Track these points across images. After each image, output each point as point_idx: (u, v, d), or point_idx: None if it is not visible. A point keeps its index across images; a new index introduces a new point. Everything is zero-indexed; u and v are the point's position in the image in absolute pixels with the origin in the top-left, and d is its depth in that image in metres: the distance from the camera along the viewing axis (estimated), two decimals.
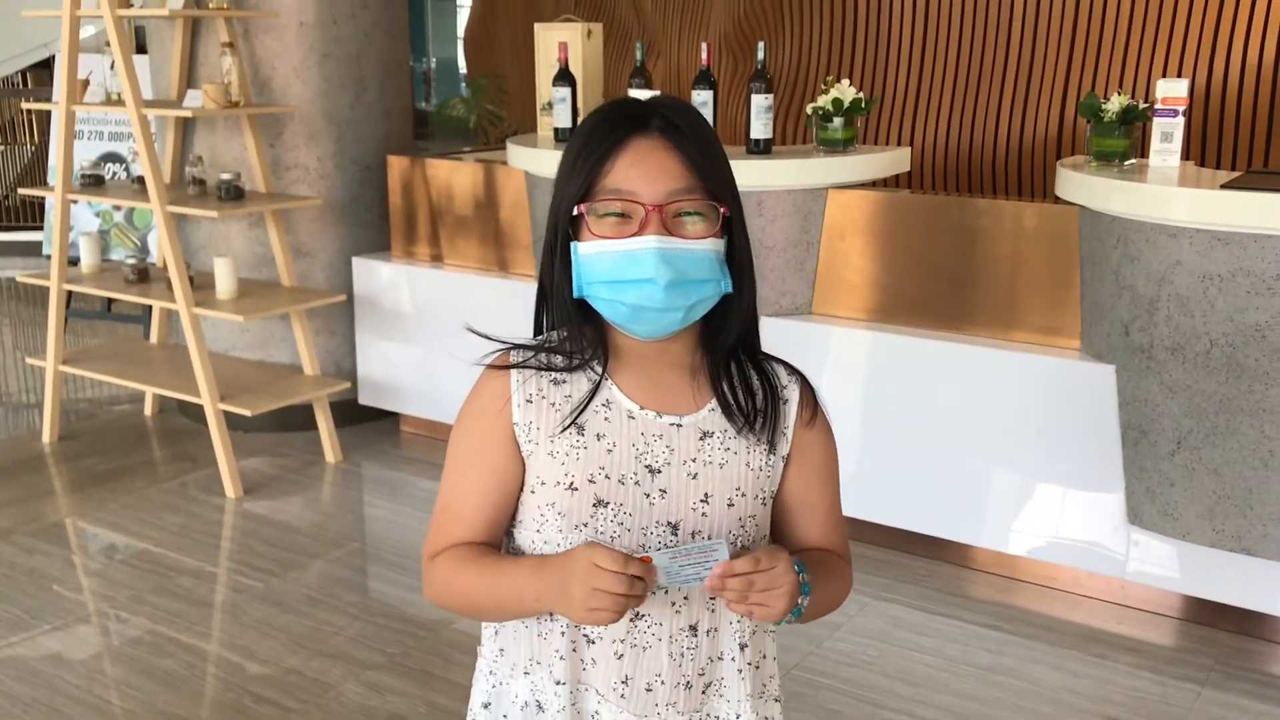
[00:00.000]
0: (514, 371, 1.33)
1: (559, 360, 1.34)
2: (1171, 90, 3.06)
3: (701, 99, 3.56)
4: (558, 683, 1.35)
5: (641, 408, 1.32)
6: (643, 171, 1.25)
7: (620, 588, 1.17)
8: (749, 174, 3.46)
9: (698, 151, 1.28)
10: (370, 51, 4.60)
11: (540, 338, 1.38)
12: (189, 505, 4.01)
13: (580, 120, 1.20)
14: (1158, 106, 3.08)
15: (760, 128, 3.51)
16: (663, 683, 1.34)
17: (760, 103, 3.50)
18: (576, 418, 1.31)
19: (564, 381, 1.33)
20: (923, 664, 3.00)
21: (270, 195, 4.41)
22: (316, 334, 4.65)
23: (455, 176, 4.43)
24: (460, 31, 9.43)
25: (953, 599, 3.34)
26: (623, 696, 1.34)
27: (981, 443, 3.34)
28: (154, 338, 4.89)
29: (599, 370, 1.33)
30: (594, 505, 1.30)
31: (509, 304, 3.94)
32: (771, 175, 3.48)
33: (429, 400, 4.49)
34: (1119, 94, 3.14)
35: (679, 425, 1.32)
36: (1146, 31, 4.16)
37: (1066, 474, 3.23)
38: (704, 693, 1.37)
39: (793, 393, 1.39)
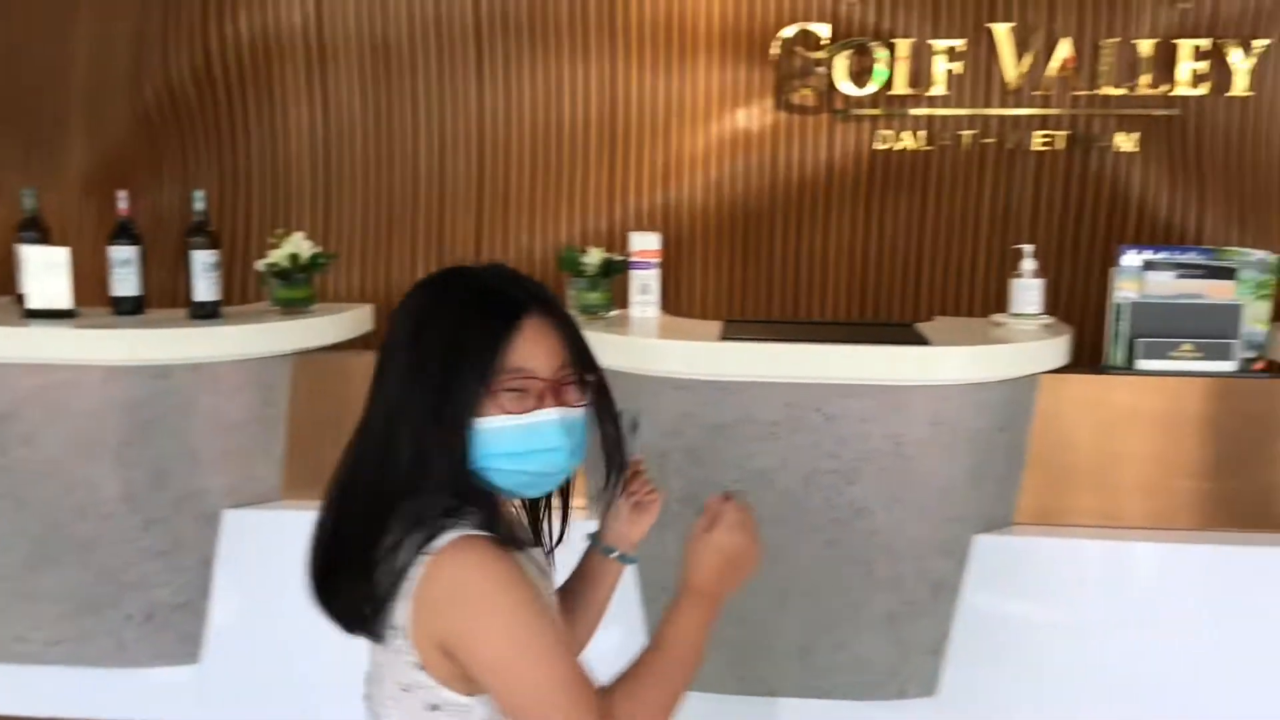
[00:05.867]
0: (505, 550, 1.36)
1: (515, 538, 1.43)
2: (645, 243, 3.11)
3: (125, 256, 2.96)
4: None
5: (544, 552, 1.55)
6: (540, 350, 1.37)
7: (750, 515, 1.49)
8: (196, 344, 2.89)
9: (568, 327, 1.42)
10: None
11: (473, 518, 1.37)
12: None
13: (424, 294, 1.36)
14: (633, 259, 3.11)
15: (206, 289, 2.97)
16: None
17: (205, 259, 2.97)
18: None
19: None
20: None
21: None
22: None
23: None
24: None
25: None
26: None
27: None
28: None
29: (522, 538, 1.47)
30: None
31: None
32: (225, 344, 2.94)
33: None
34: (595, 248, 3.13)
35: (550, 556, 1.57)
36: (548, 190, 4.29)
37: None
38: None
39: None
